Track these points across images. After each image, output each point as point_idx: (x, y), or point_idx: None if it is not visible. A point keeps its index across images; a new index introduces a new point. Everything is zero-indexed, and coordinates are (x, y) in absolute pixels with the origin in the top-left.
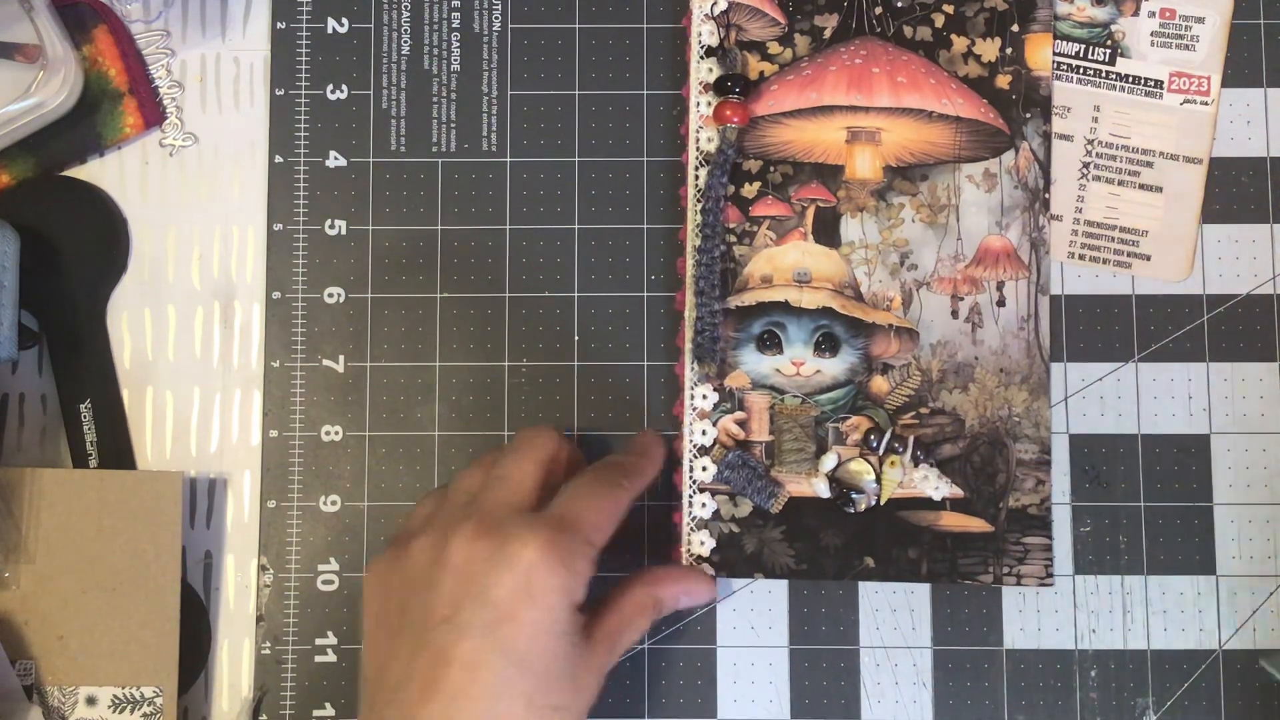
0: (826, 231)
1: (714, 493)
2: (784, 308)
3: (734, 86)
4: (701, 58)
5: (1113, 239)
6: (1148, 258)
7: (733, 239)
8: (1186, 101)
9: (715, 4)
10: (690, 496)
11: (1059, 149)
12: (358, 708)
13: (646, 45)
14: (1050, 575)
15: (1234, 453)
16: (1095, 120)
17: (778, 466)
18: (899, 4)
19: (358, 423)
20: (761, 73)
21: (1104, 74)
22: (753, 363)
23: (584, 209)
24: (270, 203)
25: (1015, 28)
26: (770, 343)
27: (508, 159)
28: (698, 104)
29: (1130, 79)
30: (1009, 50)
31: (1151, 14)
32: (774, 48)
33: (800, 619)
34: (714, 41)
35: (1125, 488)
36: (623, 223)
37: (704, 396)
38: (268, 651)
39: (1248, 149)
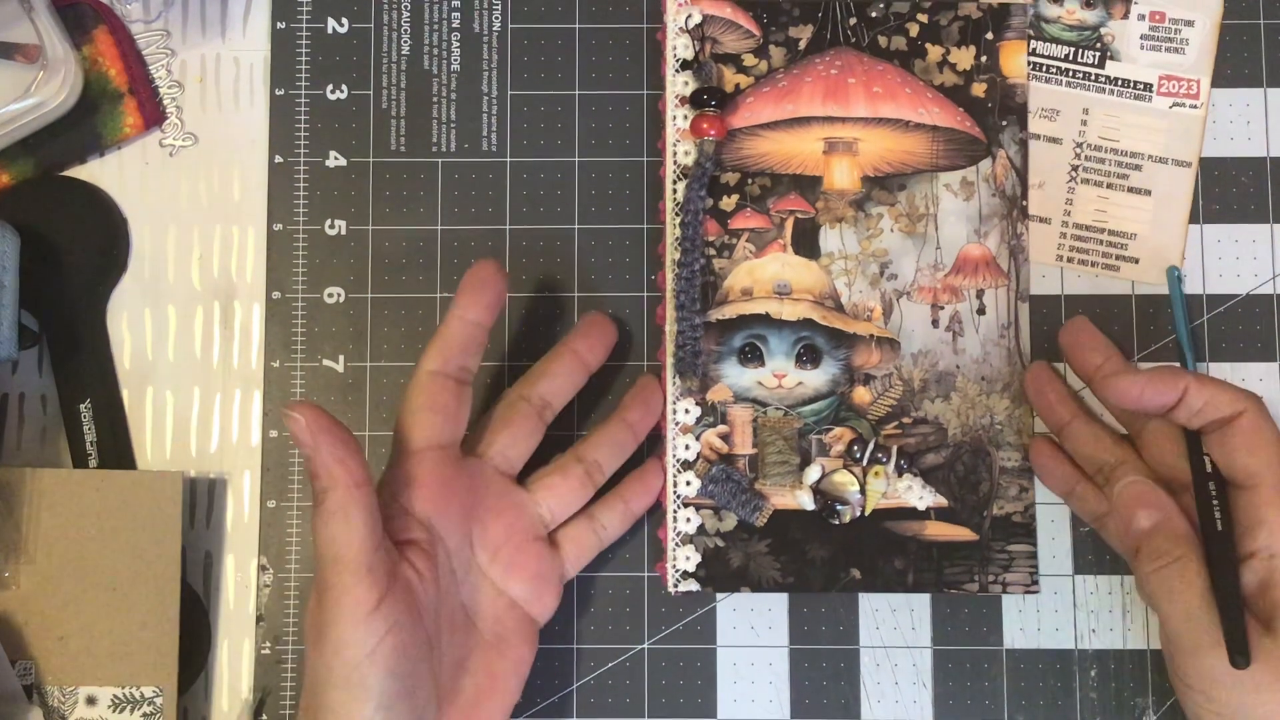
0: (806, 243)
1: (698, 507)
2: (765, 320)
3: (710, 99)
4: (677, 71)
5: (1101, 242)
6: (1136, 261)
7: (712, 252)
8: (1176, 105)
9: (690, 17)
10: (674, 512)
11: (1048, 152)
12: None
13: (646, 45)
14: (1035, 582)
15: None
16: (1084, 123)
17: (761, 479)
18: (873, 14)
19: (358, 423)
20: (737, 85)
21: (1093, 77)
22: (735, 376)
23: (584, 209)
24: (270, 203)
25: (990, 35)
26: (752, 355)
27: (508, 159)
28: (674, 117)
29: (1119, 82)
30: (984, 58)
31: (1141, 17)
32: (749, 60)
33: (800, 619)
34: (689, 55)
35: None
36: (623, 223)
37: (686, 411)
38: (268, 651)
39: (1247, 149)
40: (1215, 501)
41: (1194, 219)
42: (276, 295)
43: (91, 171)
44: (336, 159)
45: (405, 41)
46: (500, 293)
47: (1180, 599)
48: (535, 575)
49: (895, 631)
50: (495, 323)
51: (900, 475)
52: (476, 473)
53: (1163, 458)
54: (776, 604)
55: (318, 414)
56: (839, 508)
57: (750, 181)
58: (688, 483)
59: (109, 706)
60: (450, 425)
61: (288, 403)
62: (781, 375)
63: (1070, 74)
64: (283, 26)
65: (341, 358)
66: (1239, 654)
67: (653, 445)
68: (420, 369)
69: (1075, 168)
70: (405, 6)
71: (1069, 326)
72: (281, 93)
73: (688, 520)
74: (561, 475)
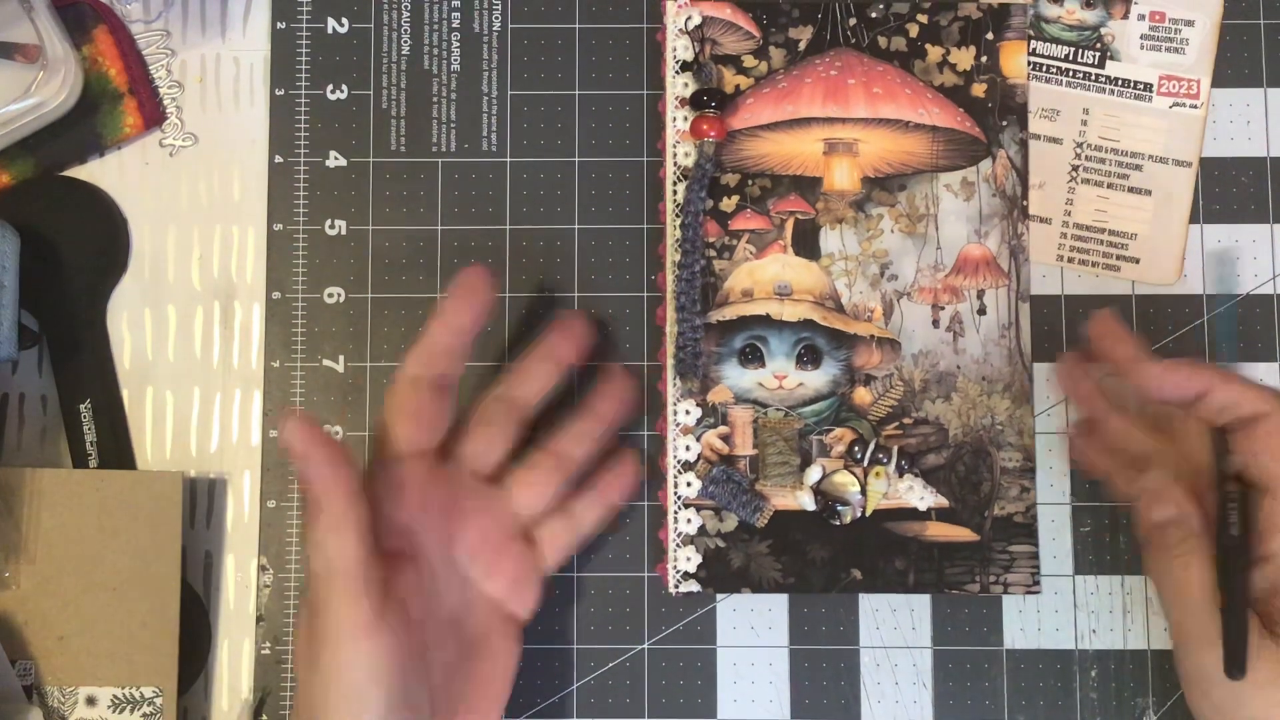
0: (806, 244)
1: (699, 508)
2: (765, 321)
3: (710, 101)
4: (677, 72)
5: (1101, 242)
6: (1136, 260)
7: (712, 253)
8: (1176, 105)
9: (689, 18)
10: (675, 513)
11: (1048, 152)
12: None
13: (646, 46)
14: (1037, 582)
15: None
16: (1084, 123)
17: (762, 480)
18: (873, 15)
19: (358, 423)
20: (737, 86)
21: (1093, 77)
22: (735, 377)
23: (584, 209)
24: (270, 203)
25: (990, 36)
26: (752, 356)
27: (508, 159)
28: (674, 119)
29: (1120, 82)
30: (984, 59)
31: (1141, 17)
32: (749, 61)
33: (800, 619)
34: (689, 56)
35: None
36: (623, 223)
37: (687, 412)
38: (268, 651)
39: (1247, 149)
40: (1233, 505)
41: (1194, 219)
42: (276, 295)
43: (91, 171)
44: (336, 159)
45: (405, 41)
46: (487, 301)
47: (1183, 593)
48: (515, 574)
49: (895, 632)
50: (481, 329)
51: (901, 476)
52: (453, 476)
53: (1195, 452)
54: (777, 604)
55: (309, 426)
56: (840, 508)
57: (750, 182)
58: (688, 483)
59: (109, 706)
60: (429, 432)
61: (281, 415)
62: (782, 376)
63: (1070, 74)
64: (283, 26)
65: (341, 358)
66: (1235, 666)
67: (653, 446)
68: (400, 375)
69: (1075, 168)
70: (405, 6)
71: (1098, 318)
72: (281, 93)
73: (688, 521)
74: (532, 469)
